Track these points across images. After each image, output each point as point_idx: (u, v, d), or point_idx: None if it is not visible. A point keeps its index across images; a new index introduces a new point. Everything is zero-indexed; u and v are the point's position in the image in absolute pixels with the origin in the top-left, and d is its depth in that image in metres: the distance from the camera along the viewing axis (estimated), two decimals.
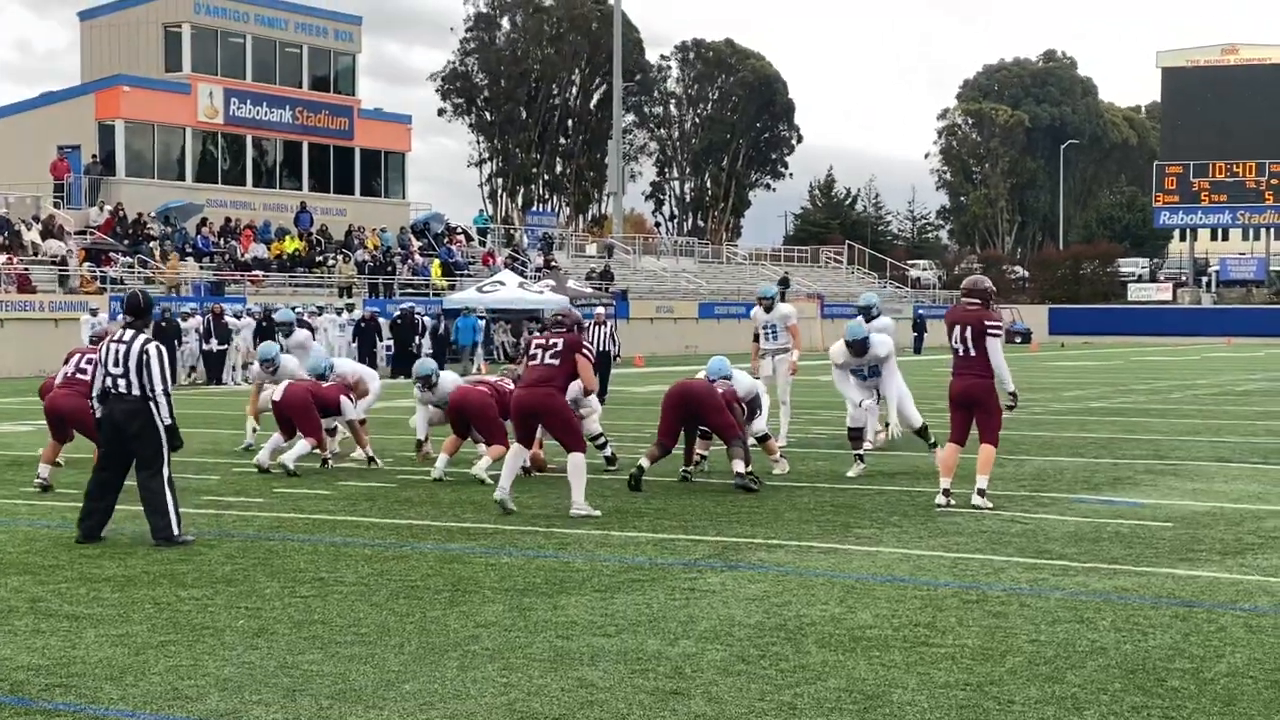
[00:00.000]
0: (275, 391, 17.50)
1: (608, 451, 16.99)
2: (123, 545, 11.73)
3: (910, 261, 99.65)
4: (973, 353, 13.54)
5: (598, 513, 13.21)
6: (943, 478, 13.89)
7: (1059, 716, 6.84)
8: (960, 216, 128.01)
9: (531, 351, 13.87)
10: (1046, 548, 11.46)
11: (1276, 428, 22.56)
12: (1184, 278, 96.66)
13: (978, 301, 13.74)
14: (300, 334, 20.98)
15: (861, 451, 16.51)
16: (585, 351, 13.80)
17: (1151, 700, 7.10)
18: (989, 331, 13.50)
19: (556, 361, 13.56)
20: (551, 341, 13.70)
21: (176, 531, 11.80)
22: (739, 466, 14.95)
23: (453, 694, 7.24)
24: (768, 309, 19.66)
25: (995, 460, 13.98)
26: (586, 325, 23.07)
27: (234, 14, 58.05)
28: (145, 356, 11.86)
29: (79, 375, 15.66)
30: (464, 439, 16.52)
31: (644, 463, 15.18)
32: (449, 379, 17.67)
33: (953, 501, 13.66)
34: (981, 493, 13.62)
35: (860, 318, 17.95)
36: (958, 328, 13.61)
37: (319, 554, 11.36)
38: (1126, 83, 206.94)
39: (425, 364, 18.01)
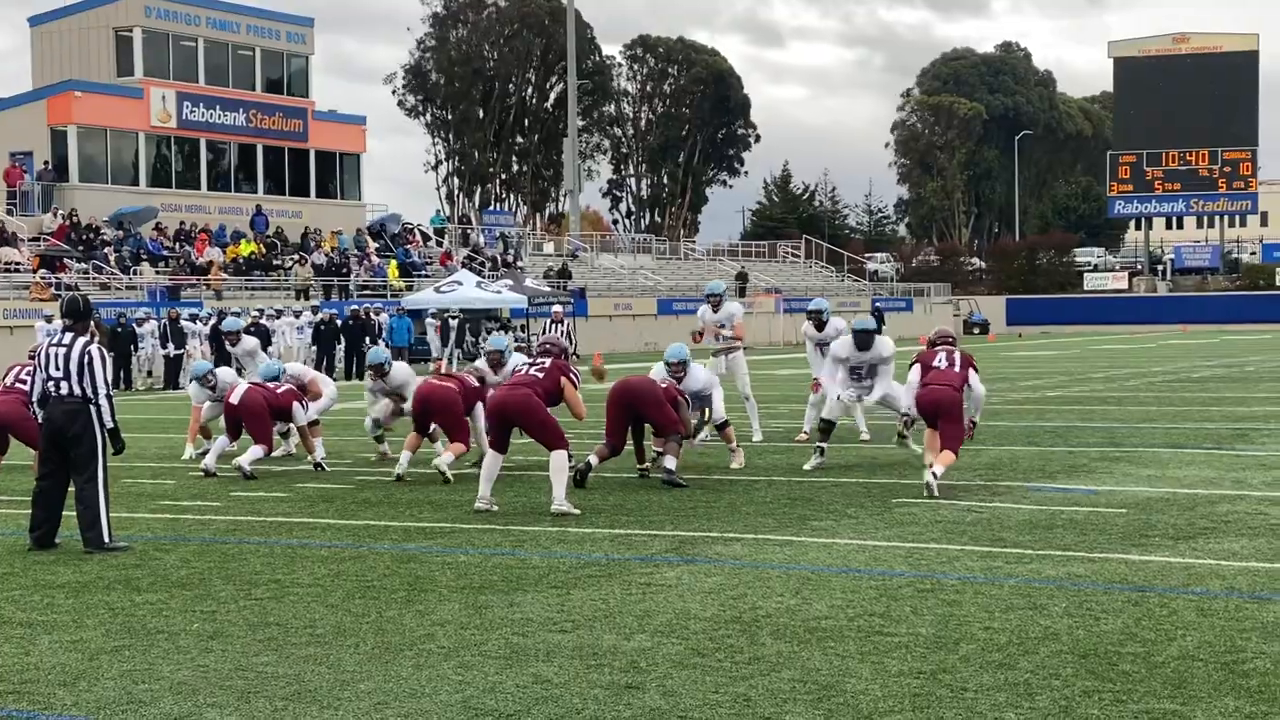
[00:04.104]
0: (233, 394, 17.47)
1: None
2: (77, 551, 11.67)
3: (868, 254, 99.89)
4: (956, 368, 14.37)
5: (577, 510, 13.22)
6: (928, 456, 14.24)
7: (1011, 702, 6.88)
8: (918, 209, 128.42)
9: (518, 366, 14.27)
10: (1001, 536, 11.53)
11: (1231, 413, 22.73)
12: (1139, 266, 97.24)
13: (950, 345, 14.88)
14: (249, 341, 20.80)
15: (825, 445, 16.54)
16: (572, 377, 13.97)
17: (1103, 684, 7.16)
18: (974, 364, 14.64)
19: (540, 375, 13.80)
20: (539, 361, 14.05)
21: (107, 539, 11.71)
22: (670, 463, 15.03)
23: (408, 692, 7.24)
24: (715, 307, 19.70)
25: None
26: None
27: (185, 17, 57.70)
28: (87, 359, 11.76)
29: (18, 385, 15.49)
30: (424, 436, 16.51)
31: (592, 459, 15.25)
32: (402, 369, 17.83)
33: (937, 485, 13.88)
34: (936, 475, 13.83)
35: (861, 319, 18.03)
36: (943, 352, 14.62)
37: (275, 556, 11.33)
38: (1080, 73, 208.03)
39: (378, 352, 18.20)
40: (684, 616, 8.80)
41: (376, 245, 59.71)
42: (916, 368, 14.71)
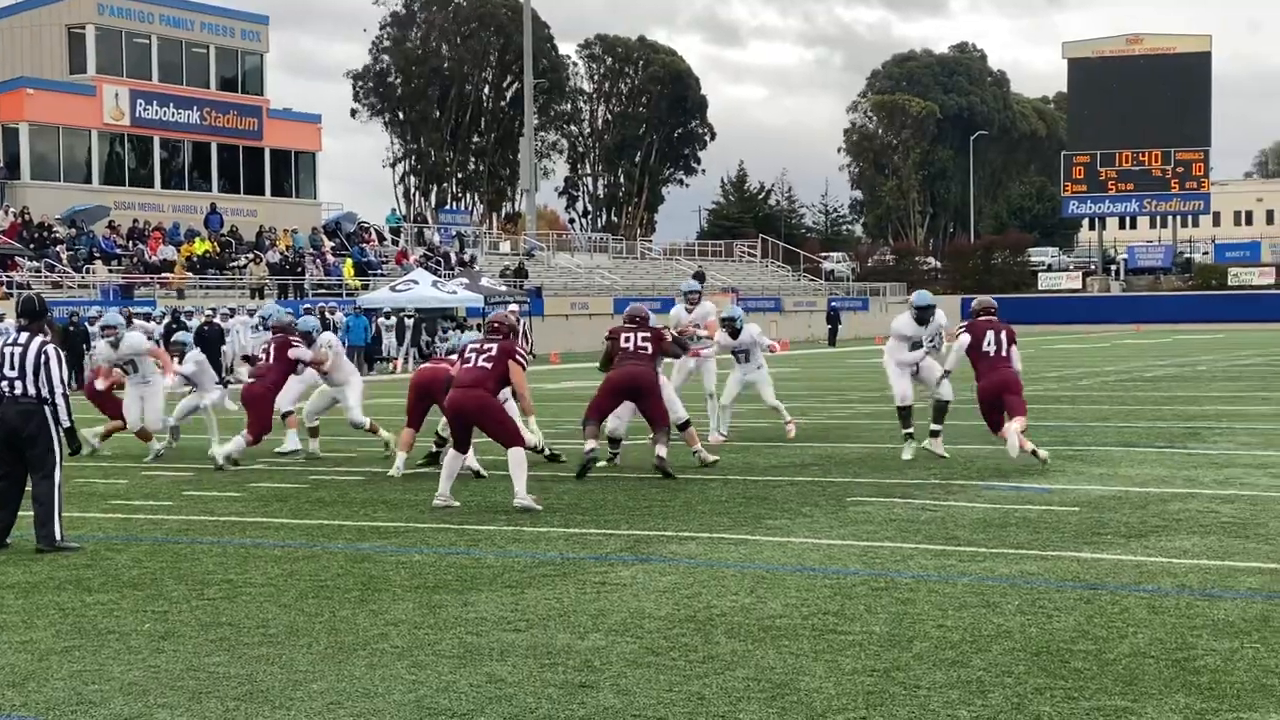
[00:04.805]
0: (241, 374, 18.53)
1: (547, 452, 17.07)
2: (27, 551, 11.58)
3: (824, 254, 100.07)
4: (1004, 352, 15.84)
5: (539, 506, 13.21)
6: (1023, 447, 15.38)
7: (964, 700, 6.90)
8: (874, 209, 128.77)
9: (466, 355, 14.02)
10: (955, 534, 11.56)
11: (1183, 412, 22.88)
12: (1093, 266, 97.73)
13: (994, 316, 16.17)
14: (134, 340, 19.47)
15: (911, 430, 16.98)
16: (519, 358, 13.88)
17: (1055, 681, 7.18)
18: (1014, 340, 16.05)
19: (489, 365, 13.67)
20: (486, 345, 13.91)
21: (59, 537, 11.65)
22: (662, 450, 15.39)
23: (361, 692, 7.21)
24: (694, 303, 19.72)
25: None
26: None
27: (138, 14, 57.31)
28: (44, 358, 11.71)
29: None
30: (418, 431, 16.67)
31: (593, 445, 15.50)
32: (327, 337, 18.67)
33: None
34: (1020, 439, 15.41)
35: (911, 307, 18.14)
36: (990, 333, 15.93)
37: (228, 556, 11.27)
38: (1037, 73, 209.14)
39: (307, 320, 19.11)
40: (638, 615, 8.79)
41: (332, 244, 59.47)
42: (966, 337, 16.03)
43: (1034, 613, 8.65)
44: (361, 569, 10.54)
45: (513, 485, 13.39)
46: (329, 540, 11.97)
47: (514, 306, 45.92)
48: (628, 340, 16.00)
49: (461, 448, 13.88)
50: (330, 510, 13.78)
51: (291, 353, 18.09)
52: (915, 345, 17.10)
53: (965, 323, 16.41)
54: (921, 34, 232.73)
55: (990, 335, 15.91)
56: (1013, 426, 15.50)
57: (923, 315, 17.05)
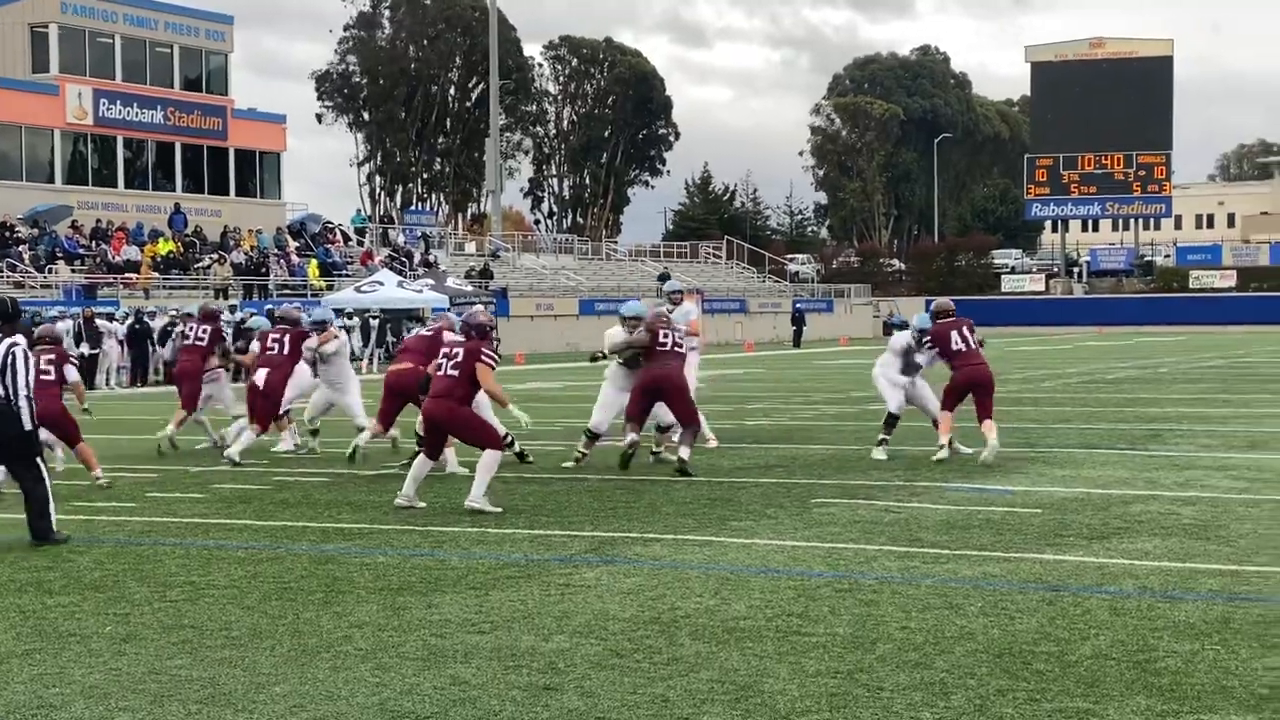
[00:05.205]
0: (258, 378, 18.21)
1: (517, 448, 17.08)
2: None
3: (789, 256, 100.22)
4: (973, 345, 16.79)
5: (498, 509, 13.17)
6: (944, 435, 16.70)
7: (927, 701, 6.93)
8: (838, 211, 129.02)
9: (438, 361, 13.99)
10: (919, 536, 11.60)
11: (1144, 414, 22.99)
12: (1056, 268, 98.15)
13: (953, 315, 17.03)
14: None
15: (887, 437, 17.33)
16: (486, 358, 13.69)
17: (1017, 683, 7.21)
18: (974, 329, 17.09)
19: (457, 372, 13.61)
20: (454, 350, 13.78)
21: (54, 529, 11.86)
22: (685, 453, 15.65)
23: (324, 695, 7.19)
24: (676, 304, 19.66)
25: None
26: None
27: (102, 14, 57.04)
28: (10, 360, 11.73)
29: None
30: (387, 430, 16.78)
31: (633, 438, 15.78)
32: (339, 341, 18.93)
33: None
34: (958, 449, 16.69)
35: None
36: (954, 332, 16.82)
37: (191, 558, 11.23)
38: (1004, 76, 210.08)
39: (326, 310, 19.75)
40: (603, 617, 8.80)
41: (297, 244, 59.28)
42: (935, 351, 16.97)
43: (997, 614, 8.69)
44: (325, 571, 10.51)
45: (472, 484, 13.37)
46: (293, 542, 11.94)
47: (479, 306, 46.02)
48: (667, 336, 16.16)
49: (432, 454, 13.88)
50: (294, 512, 13.74)
51: (306, 344, 18.45)
52: (910, 363, 17.46)
53: (930, 332, 17.02)
54: (888, 36, 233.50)
55: (955, 334, 16.79)
56: (990, 441, 16.26)
57: (924, 338, 17.33)
